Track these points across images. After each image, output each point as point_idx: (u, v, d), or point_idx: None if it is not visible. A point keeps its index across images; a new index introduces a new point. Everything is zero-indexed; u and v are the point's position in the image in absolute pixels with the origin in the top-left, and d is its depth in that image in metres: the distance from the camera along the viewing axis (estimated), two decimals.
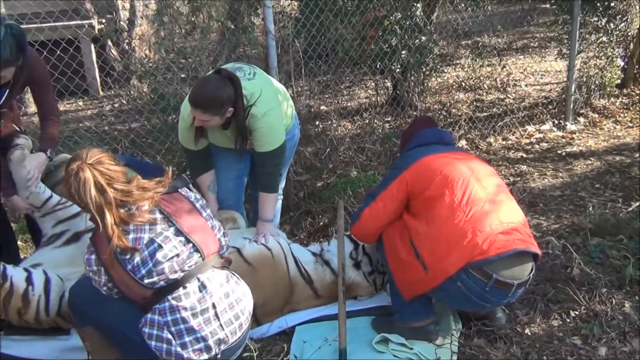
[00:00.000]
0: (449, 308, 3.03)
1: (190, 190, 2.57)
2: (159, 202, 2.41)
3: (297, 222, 4.28)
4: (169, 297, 2.32)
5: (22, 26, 3.52)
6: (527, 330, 2.93)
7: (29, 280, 2.90)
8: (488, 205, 2.66)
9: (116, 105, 6.86)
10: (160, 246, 2.31)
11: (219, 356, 2.41)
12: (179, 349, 2.30)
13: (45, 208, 3.20)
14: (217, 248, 2.50)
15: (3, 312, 2.89)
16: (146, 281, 2.30)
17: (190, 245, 2.38)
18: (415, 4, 5.26)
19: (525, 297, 3.09)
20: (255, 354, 2.81)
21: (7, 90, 3.07)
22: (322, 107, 5.49)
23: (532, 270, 2.69)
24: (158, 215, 2.37)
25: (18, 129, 3.35)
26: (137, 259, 2.30)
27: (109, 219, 2.27)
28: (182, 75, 4.74)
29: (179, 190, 2.51)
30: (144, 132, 4.75)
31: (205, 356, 2.35)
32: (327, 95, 5.81)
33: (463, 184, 2.70)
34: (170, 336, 2.30)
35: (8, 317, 2.91)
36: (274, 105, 3.13)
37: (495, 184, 2.80)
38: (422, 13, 5.43)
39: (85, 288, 2.48)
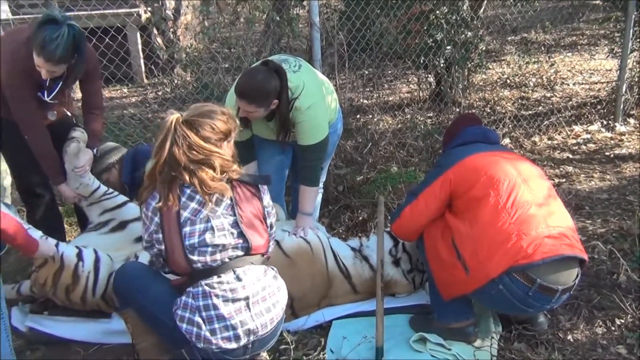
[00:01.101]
0: (489, 310, 2.97)
1: (266, 191, 2.57)
2: (236, 185, 2.43)
3: (335, 216, 4.27)
4: (203, 283, 2.36)
5: (73, 13, 3.60)
6: (569, 337, 2.86)
7: (80, 256, 2.99)
8: (534, 209, 2.59)
9: (159, 93, 6.96)
10: (212, 229, 2.35)
11: (249, 346, 2.43)
12: (208, 334, 2.33)
13: (93, 198, 3.28)
14: (263, 250, 2.52)
15: (52, 289, 2.97)
16: (188, 255, 2.34)
17: (241, 241, 2.40)
18: None
19: (568, 302, 3.01)
20: (292, 347, 2.82)
21: (60, 83, 3.14)
22: (363, 101, 5.46)
23: (577, 276, 2.62)
24: (226, 199, 2.39)
25: (69, 114, 3.44)
26: (190, 227, 2.34)
27: (186, 176, 2.31)
28: (225, 65, 4.77)
29: (260, 185, 2.53)
30: None
31: (234, 345, 2.37)
32: (368, 89, 5.78)
33: (509, 185, 2.64)
34: (200, 321, 2.34)
35: (56, 294, 3.00)
36: (318, 98, 3.12)
37: (542, 186, 2.73)
38: (469, 8, 5.32)
39: (129, 272, 2.56)
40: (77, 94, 3.73)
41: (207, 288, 2.35)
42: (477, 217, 2.63)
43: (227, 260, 2.38)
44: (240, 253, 2.41)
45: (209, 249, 2.35)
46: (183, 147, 2.32)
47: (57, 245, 2.96)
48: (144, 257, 2.99)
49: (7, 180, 3.67)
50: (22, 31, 3.04)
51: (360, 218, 4.19)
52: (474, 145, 2.89)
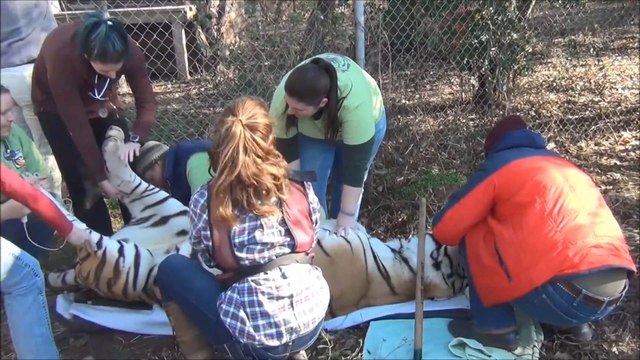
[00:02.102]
0: (530, 318, 2.92)
1: (310, 187, 2.57)
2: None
3: (375, 216, 4.26)
4: (249, 279, 2.37)
5: (122, 9, 3.67)
6: (614, 349, 2.78)
7: (121, 252, 3.04)
8: (582, 217, 2.53)
9: (202, 89, 7.05)
10: (261, 226, 2.36)
11: (289, 344, 2.43)
12: (251, 330, 2.34)
13: (134, 194, 3.35)
14: (307, 248, 2.52)
15: (94, 282, 3.04)
16: (236, 252, 2.35)
17: (288, 238, 2.41)
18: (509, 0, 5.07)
19: (614, 313, 2.93)
20: (330, 347, 2.83)
21: (108, 80, 3.22)
22: (405, 101, 5.41)
23: (625, 287, 2.54)
24: (274, 198, 2.40)
25: (115, 109, 3.52)
26: (239, 225, 2.34)
27: (227, 179, 2.29)
28: (266, 63, 4.79)
29: (305, 183, 2.54)
30: None
31: (277, 342, 2.38)
32: (410, 90, 5.72)
33: (556, 192, 2.58)
34: (245, 316, 2.35)
35: (98, 287, 3.07)
36: (365, 98, 3.11)
37: (591, 194, 2.66)
38: (515, 9, 5.22)
39: (173, 265, 2.58)
40: (123, 87, 3.83)
41: (253, 284, 2.36)
42: (522, 224, 2.58)
43: (274, 257, 2.39)
44: (286, 250, 2.42)
45: (258, 246, 2.36)
46: (252, 154, 2.31)
47: (100, 240, 3.02)
48: (185, 249, 3.04)
49: (57, 173, 3.78)
50: (67, 29, 3.11)
51: (400, 219, 4.16)
52: (520, 149, 2.84)
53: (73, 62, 3.03)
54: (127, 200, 3.40)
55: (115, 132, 3.30)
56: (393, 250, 3.27)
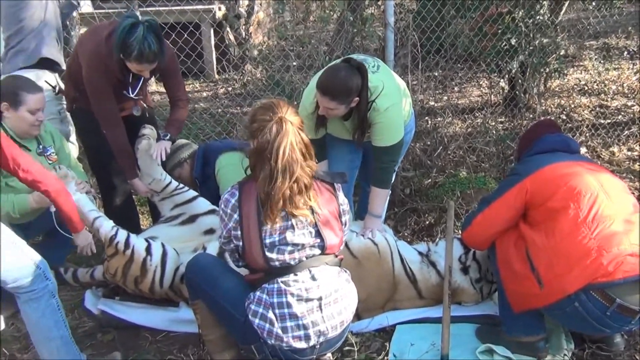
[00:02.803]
0: (561, 326, 2.86)
1: (340, 189, 2.55)
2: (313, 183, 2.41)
3: (401, 218, 4.23)
4: (279, 280, 2.35)
5: (154, 8, 3.69)
6: None
7: (148, 250, 3.06)
8: (617, 224, 2.46)
9: (230, 89, 7.09)
10: (293, 227, 2.34)
11: (317, 347, 2.42)
12: (279, 331, 2.33)
13: (164, 193, 3.38)
14: (337, 250, 2.50)
15: (121, 279, 3.07)
16: (267, 253, 2.33)
17: (318, 240, 2.39)
18: (541, 2, 4.98)
19: None
20: (356, 349, 2.81)
21: (142, 79, 3.25)
22: (432, 103, 5.38)
23: None
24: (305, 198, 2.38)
25: (147, 107, 3.55)
26: (271, 225, 2.32)
27: (280, 182, 2.26)
28: (294, 63, 4.79)
29: (335, 185, 2.52)
30: None
31: (304, 345, 2.37)
32: (438, 91, 5.68)
33: (591, 198, 2.52)
34: (273, 317, 2.33)
35: (125, 284, 3.09)
36: (396, 100, 3.09)
37: (626, 201, 2.59)
38: (547, 11, 5.13)
39: (201, 264, 2.57)
40: (151, 86, 3.87)
41: (282, 286, 2.34)
42: (555, 230, 2.52)
43: (304, 259, 2.38)
44: (316, 252, 2.40)
45: (288, 247, 2.35)
46: (298, 152, 2.30)
47: (128, 239, 3.04)
48: (212, 248, 3.05)
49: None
50: (102, 28, 3.14)
51: (427, 222, 4.13)
52: (554, 154, 2.78)
53: (108, 61, 3.07)
54: (157, 198, 3.42)
55: (149, 130, 3.33)
56: (420, 253, 3.24)
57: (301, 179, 2.31)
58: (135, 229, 3.55)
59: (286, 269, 2.36)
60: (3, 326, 1.63)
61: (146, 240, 3.11)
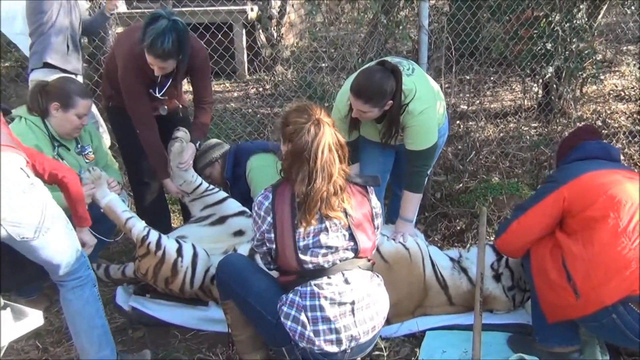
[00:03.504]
0: (596, 338, 2.79)
1: (372, 192, 2.54)
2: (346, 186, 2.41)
3: (432, 223, 4.18)
4: (312, 283, 2.34)
5: (189, 9, 3.69)
6: None
7: (179, 251, 3.07)
8: None
9: (260, 89, 7.11)
10: (327, 229, 2.33)
11: (347, 351, 2.40)
12: (311, 334, 2.32)
13: (195, 194, 3.40)
14: (369, 254, 2.49)
15: (152, 278, 3.10)
16: (300, 255, 2.32)
17: (352, 243, 2.38)
18: (579, 5, 4.89)
19: None
20: (385, 354, 2.78)
21: (170, 80, 3.27)
22: (464, 107, 5.30)
23: None
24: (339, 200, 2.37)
25: (180, 106, 3.58)
26: (305, 228, 2.32)
27: (320, 183, 2.26)
28: (324, 65, 4.79)
29: (367, 187, 2.51)
30: None
31: (336, 349, 2.35)
32: (469, 95, 5.60)
33: (631, 207, 2.45)
34: (306, 320, 2.32)
35: (156, 283, 3.12)
36: (430, 103, 3.06)
37: None
38: (584, 15, 5.03)
39: (233, 264, 2.57)
40: (188, 86, 3.89)
41: (315, 289, 2.33)
42: (593, 239, 2.46)
43: (337, 262, 2.36)
44: (350, 255, 2.39)
45: (322, 250, 2.34)
46: (335, 154, 2.33)
47: (159, 240, 3.05)
48: (243, 251, 3.05)
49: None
50: (137, 29, 3.16)
51: (458, 228, 4.07)
52: (593, 161, 2.71)
53: (141, 61, 3.09)
54: (188, 199, 3.45)
55: (182, 133, 3.36)
56: (452, 259, 3.20)
57: (337, 180, 2.31)
58: (166, 227, 3.59)
59: (319, 271, 2.35)
60: (42, 322, 1.65)
61: (177, 241, 3.13)
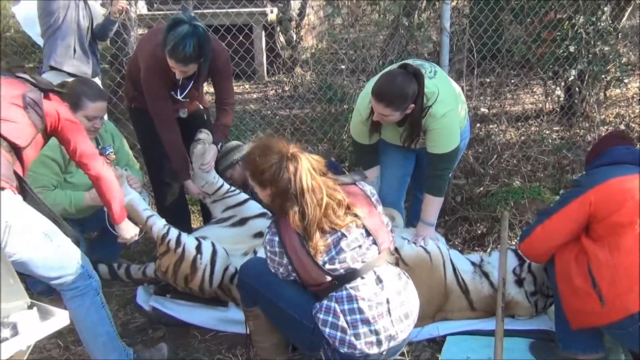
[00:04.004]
0: (620, 345, 2.75)
1: (366, 183, 2.56)
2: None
3: (452, 227, 4.15)
4: (347, 286, 2.30)
5: (211, 10, 3.68)
6: None
7: (198, 249, 3.08)
8: None
9: (279, 90, 7.13)
10: (344, 235, 2.31)
11: (383, 353, 2.36)
12: (352, 338, 2.29)
13: (217, 195, 3.41)
14: (389, 243, 2.47)
15: (172, 277, 3.11)
16: (327, 267, 2.29)
17: (370, 238, 2.36)
18: (603, 8, 4.82)
19: None
20: (407, 359, 2.76)
21: (192, 82, 3.28)
22: (484, 110, 5.27)
23: None
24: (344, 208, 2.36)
25: (202, 108, 3.59)
26: (322, 242, 2.30)
27: (317, 212, 2.26)
28: (343, 67, 4.78)
29: (357, 183, 2.50)
30: (308, 119, 4.86)
31: (376, 350, 2.32)
32: (489, 98, 5.56)
33: None
34: (345, 325, 2.29)
35: (176, 282, 3.13)
36: (452, 106, 3.03)
37: None
38: (608, 17, 4.96)
39: (259, 269, 2.51)
40: (210, 88, 3.91)
41: (352, 291, 2.30)
42: (619, 245, 2.42)
43: (365, 260, 2.34)
44: (374, 250, 2.36)
45: (348, 253, 2.31)
46: (318, 175, 2.33)
47: (179, 237, 3.07)
48: (263, 253, 3.05)
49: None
50: (159, 31, 3.17)
51: (479, 232, 4.03)
52: (621, 166, 2.65)
53: (164, 63, 3.10)
54: (209, 200, 3.46)
55: (204, 135, 3.37)
56: (473, 263, 3.17)
57: (332, 196, 2.30)
58: (186, 228, 3.59)
59: (352, 274, 2.32)
60: (68, 321, 1.66)
61: (197, 239, 3.14)
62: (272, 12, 7.53)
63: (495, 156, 4.70)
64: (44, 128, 2.35)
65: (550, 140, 5.00)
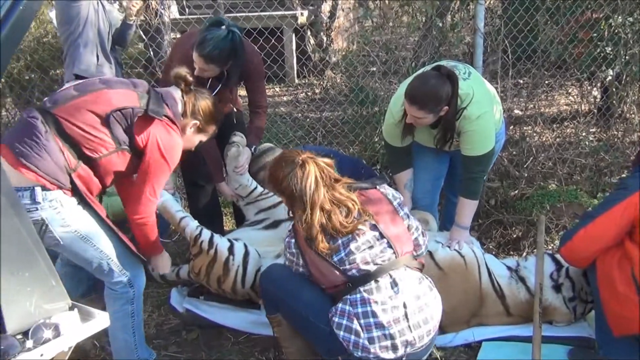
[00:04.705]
0: None
1: (389, 187, 2.56)
2: (358, 197, 2.43)
3: (486, 230, 4.08)
4: (361, 289, 2.32)
5: (244, 14, 3.68)
6: None
7: (231, 250, 3.11)
8: None
9: (309, 93, 7.14)
10: (354, 238, 2.33)
11: (403, 358, 2.35)
12: (366, 342, 2.28)
13: (250, 198, 3.42)
14: (411, 248, 2.46)
15: (205, 277, 3.13)
16: (340, 266, 2.33)
17: (385, 240, 2.37)
18: None
19: None
20: None
21: (220, 85, 3.30)
22: (518, 112, 5.17)
23: None
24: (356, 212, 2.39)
25: (235, 110, 3.60)
26: (325, 250, 2.35)
27: (317, 216, 2.33)
28: (373, 69, 4.75)
29: (378, 187, 2.52)
30: (339, 121, 4.85)
31: (392, 355, 2.30)
32: (523, 99, 5.46)
33: None
34: (359, 328, 2.29)
35: (209, 283, 3.15)
36: (488, 108, 2.98)
37: None
38: None
39: (278, 275, 2.56)
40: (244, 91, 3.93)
41: (365, 294, 2.31)
42: None
43: (379, 262, 2.34)
44: (390, 254, 2.37)
45: (358, 255, 2.33)
46: (327, 182, 2.41)
47: (211, 238, 3.09)
48: None
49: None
50: (193, 35, 3.20)
51: (514, 236, 3.96)
52: None
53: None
54: (242, 203, 3.48)
55: (239, 138, 3.39)
56: (509, 268, 3.11)
57: (338, 202, 2.36)
58: (219, 230, 3.61)
59: (366, 276, 2.33)
60: (109, 323, 1.68)
61: (229, 240, 3.16)
62: (302, 15, 7.56)
63: (530, 158, 4.61)
64: (133, 147, 2.37)
65: (587, 142, 4.87)
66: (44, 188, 2.18)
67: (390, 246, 2.37)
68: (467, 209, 3.13)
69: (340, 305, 2.35)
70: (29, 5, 1.54)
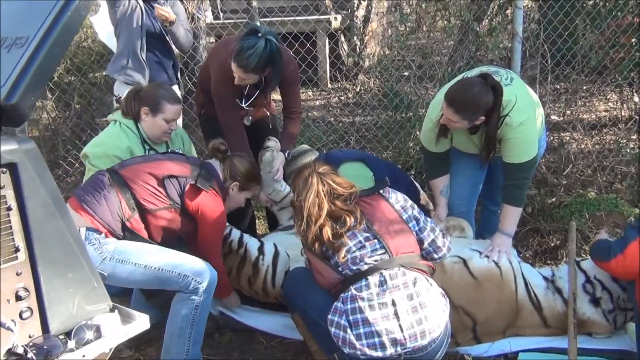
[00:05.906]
0: None
1: (392, 191, 2.62)
2: (358, 203, 2.53)
3: (523, 238, 4.01)
4: (352, 287, 2.38)
5: (280, 18, 3.67)
6: None
7: (261, 250, 3.15)
8: None
9: (342, 98, 7.12)
10: (345, 243, 2.44)
11: (402, 358, 2.32)
12: (352, 338, 2.31)
13: (283, 203, 3.44)
14: (412, 249, 2.48)
15: (236, 278, 3.15)
16: (333, 264, 2.45)
17: (376, 240, 2.43)
18: None
19: None
20: None
21: (258, 91, 3.31)
22: (555, 117, 5.07)
23: None
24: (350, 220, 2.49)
25: (269, 115, 3.62)
26: (324, 250, 2.49)
27: (312, 229, 2.46)
28: (406, 73, 4.72)
29: (380, 191, 2.60)
30: (373, 126, 4.83)
31: (380, 353, 2.29)
32: (562, 105, 5.35)
33: None
34: (347, 324, 2.33)
35: (240, 284, 3.18)
36: (530, 114, 2.92)
37: None
38: None
39: (296, 278, 2.69)
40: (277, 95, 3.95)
41: (354, 292, 2.37)
42: None
43: (371, 262, 2.39)
44: (381, 253, 2.41)
45: (349, 255, 2.42)
46: (328, 195, 2.52)
47: (241, 238, 3.13)
48: None
49: None
50: (230, 42, 3.21)
51: (552, 244, 3.88)
52: None
53: (233, 74, 3.14)
54: (276, 208, 3.49)
55: (273, 142, 3.40)
56: (545, 278, 3.04)
57: (335, 216, 2.47)
58: (251, 234, 3.62)
59: (359, 275, 2.39)
60: (149, 325, 1.71)
61: (259, 240, 3.20)
62: (336, 19, 7.56)
63: (569, 166, 4.51)
64: (183, 209, 2.72)
65: (627, 150, 4.75)
66: (90, 229, 2.50)
67: (382, 246, 2.41)
68: (512, 216, 3.07)
69: (335, 303, 2.42)
70: (77, 9, 1.56)
